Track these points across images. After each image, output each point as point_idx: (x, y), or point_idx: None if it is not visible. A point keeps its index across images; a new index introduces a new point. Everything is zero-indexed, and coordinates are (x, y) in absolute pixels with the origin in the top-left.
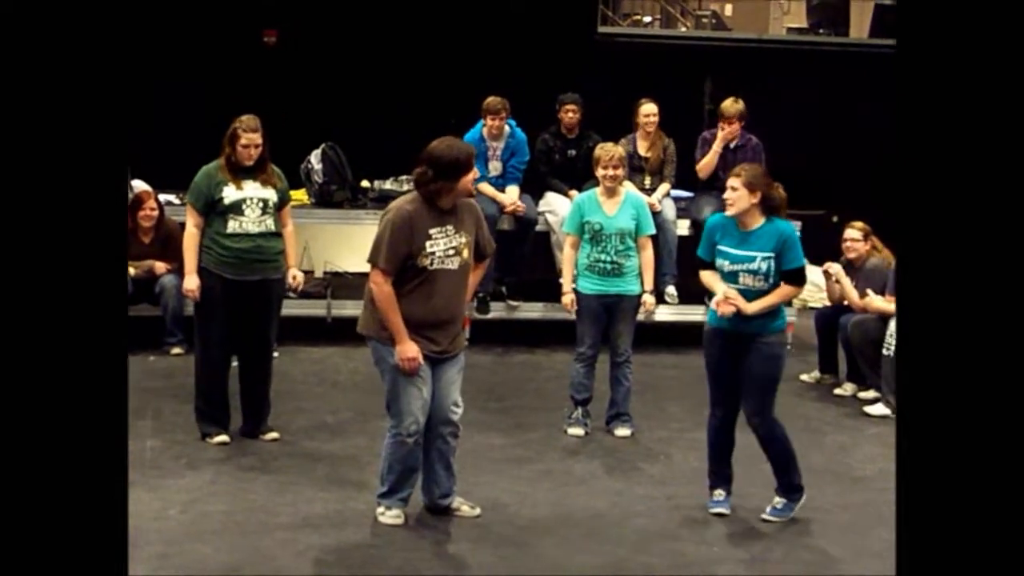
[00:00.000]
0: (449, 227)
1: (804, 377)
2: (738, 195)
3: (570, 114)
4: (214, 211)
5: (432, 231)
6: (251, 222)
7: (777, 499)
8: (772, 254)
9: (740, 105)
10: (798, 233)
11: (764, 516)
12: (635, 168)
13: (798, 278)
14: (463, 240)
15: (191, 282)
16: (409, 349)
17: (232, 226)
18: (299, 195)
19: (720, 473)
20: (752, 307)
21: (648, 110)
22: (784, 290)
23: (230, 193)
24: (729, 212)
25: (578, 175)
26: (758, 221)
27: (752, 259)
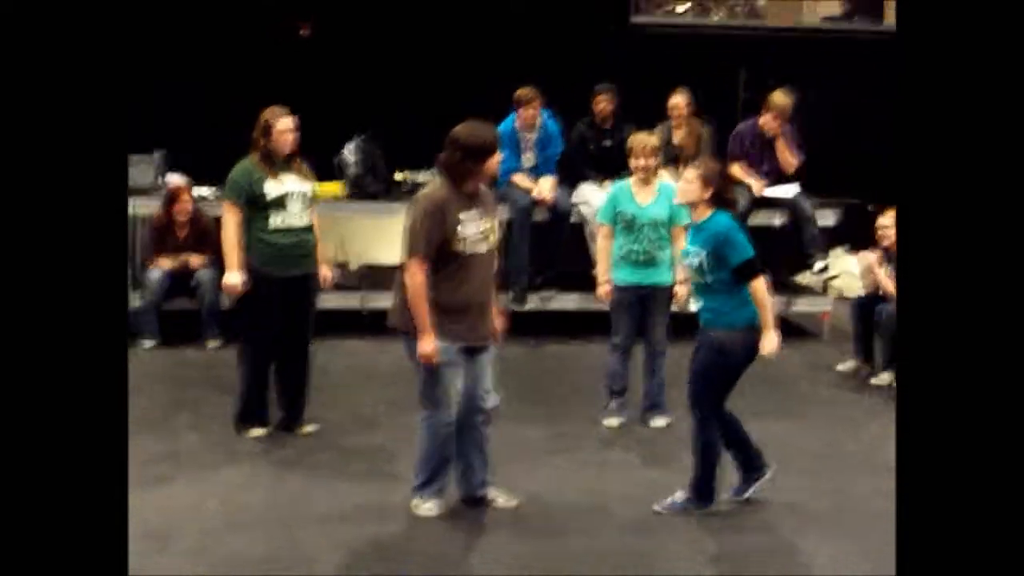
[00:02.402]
0: (476, 211)
1: (840, 367)
2: (690, 187)
3: (604, 104)
4: (255, 207)
5: (462, 215)
6: (295, 216)
7: (680, 492)
8: (703, 251)
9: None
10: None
11: (656, 507)
12: (671, 158)
13: (748, 272)
14: (489, 225)
15: (234, 277)
16: (429, 344)
17: (275, 221)
18: (334, 187)
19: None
20: (773, 335)
21: (672, 102)
22: (754, 292)
23: (272, 188)
24: (676, 200)
25: (613, 165)
26: (704, 215)
27: (687, 253)
